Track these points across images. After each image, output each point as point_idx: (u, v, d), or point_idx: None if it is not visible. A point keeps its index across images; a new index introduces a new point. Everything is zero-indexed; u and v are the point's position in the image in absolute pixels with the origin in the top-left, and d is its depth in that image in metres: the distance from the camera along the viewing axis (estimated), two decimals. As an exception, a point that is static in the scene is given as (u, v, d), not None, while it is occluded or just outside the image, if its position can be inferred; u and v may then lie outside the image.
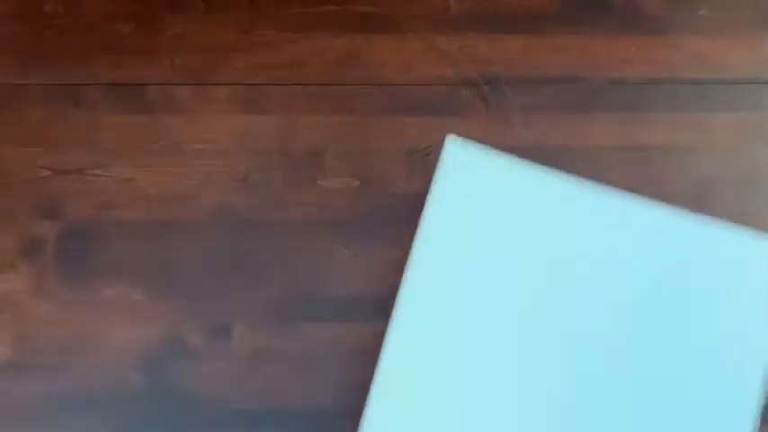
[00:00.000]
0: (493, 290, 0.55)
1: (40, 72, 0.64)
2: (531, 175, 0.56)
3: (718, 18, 0.64)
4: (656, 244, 0.54)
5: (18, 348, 0.63)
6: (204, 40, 0.64)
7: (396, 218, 0.63)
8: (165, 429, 0.64)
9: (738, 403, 0.51)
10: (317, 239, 0.64)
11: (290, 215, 0.64)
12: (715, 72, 0.64)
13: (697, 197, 0.63)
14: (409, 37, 0.64)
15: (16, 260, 0.64)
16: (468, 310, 0.55)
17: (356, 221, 0.64)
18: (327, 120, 0.64)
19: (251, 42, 0.64)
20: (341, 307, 0.63)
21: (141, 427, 0.63)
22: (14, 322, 0.63)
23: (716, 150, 0.64)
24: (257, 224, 0.63)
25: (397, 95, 0.64)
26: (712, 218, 0.56)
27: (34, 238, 0.64)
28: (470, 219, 0.56)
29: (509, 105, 0.66)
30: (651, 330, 0.54)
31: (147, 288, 0.63)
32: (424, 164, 0.64)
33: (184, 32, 0.64)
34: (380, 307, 0.63)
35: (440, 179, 0.56)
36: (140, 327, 0.63)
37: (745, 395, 0.52)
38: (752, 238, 0.53)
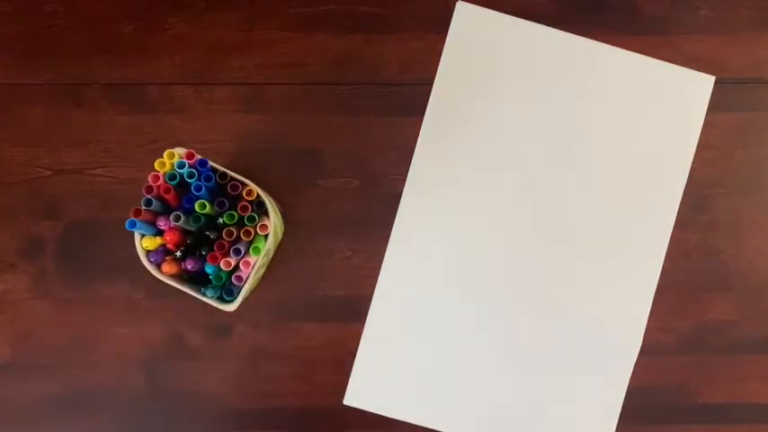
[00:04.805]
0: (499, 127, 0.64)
1: (41, 72, 0.64)
2: (531, 31, 0.64)
3: (718, 18, 0.64)
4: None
5: (18, 348, 0.63)
6: (204, 39, 0.64)
7: (395, 218, 0.63)
8: (165, 429, 0.64)
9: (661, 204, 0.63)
10: (317, 239, 0.64)
11: (290, 215, 0.64)
12: (715, 72, 0.64)
13: (696, 196, 0.63)
14: (409, 37, 0.64)
15: (16, 260, 0.64)
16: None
17: (356, 221, 0.64)
18: (327, 120, 0.64)
19: (251, 42, 0.64)
20: (341, 307, 0.63)
21: (141, 427, 0.63)
22: (14, 322, 0.63)
23: (716, 150, 0.64)
24: (257, 224, 0.63)
25: (397, 95, 0.64)
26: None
27: (34, 238, 0.64)
28: (478, 69, 0.64)
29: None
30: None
31: (148, 288, 0.63)
32: (424, 164, 0.64)
33: (184, 32, 0.64)
34: (380, 307, 0.63)
35: (451, 35, 0.63)
36: (140, 327, 0.63)
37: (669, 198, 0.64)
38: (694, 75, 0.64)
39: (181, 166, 0.53)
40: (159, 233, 0.54)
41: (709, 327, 0.63)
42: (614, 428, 0.62)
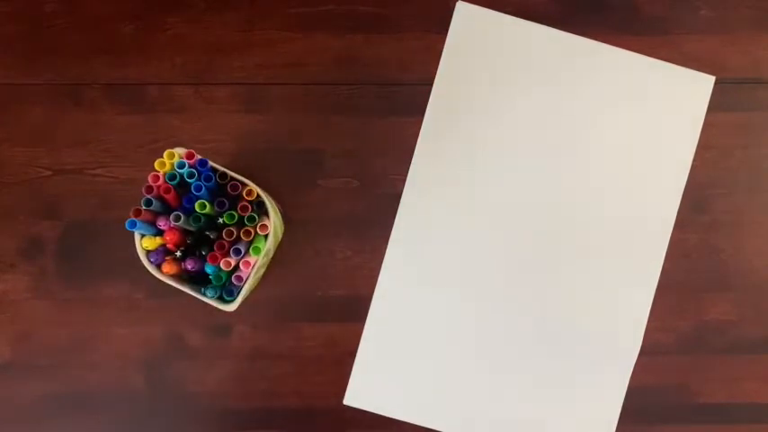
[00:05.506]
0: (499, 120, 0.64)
1: (41, 72, 0.64)
2: (531, 31, 0.64)
3: (718, 18, 0.64)
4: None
5: (18, 348, 0.63)
6: (204, 39, 0.64)
7: (395, 218, 0.63)
8: (165, 429, 0.64)
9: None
10: (317, 239, 0.64)
11: (290, 215, 0.64)
12: (715, 72, 0.64)
13: (697, 196, 0.63)
14: (409, 37, 0.64)
15: (16, 260, 0.64)
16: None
17: (356, 221, 0.64)
18: (327, 120, 0.64)
19: (251, 42, 0.64)
20: (341, 307, 0.63)
21: (141, 427, 0.63)
22: (14, 322, 0.63)
23: (716, 150, 0.64)
24: (257, 224, 0.63)
25: (397, 95, 0.64)
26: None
27: (34, 238, 0.64)
28: (478, 69, 0.64)
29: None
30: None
31: (148, 288, 0.63)
32: (424, 164, 0.64)
33: (184, 32, 0.64)
34: (380, 307, 0.63)
35: (451, 35, 0.64)
36: (140, 327, 0.63)
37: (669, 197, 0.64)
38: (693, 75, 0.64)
39: (181, 166, 0.53)
40: (159, 233, 0.54)
41: (709, 327, 0.63)
42: (614, 428, 0.62)
